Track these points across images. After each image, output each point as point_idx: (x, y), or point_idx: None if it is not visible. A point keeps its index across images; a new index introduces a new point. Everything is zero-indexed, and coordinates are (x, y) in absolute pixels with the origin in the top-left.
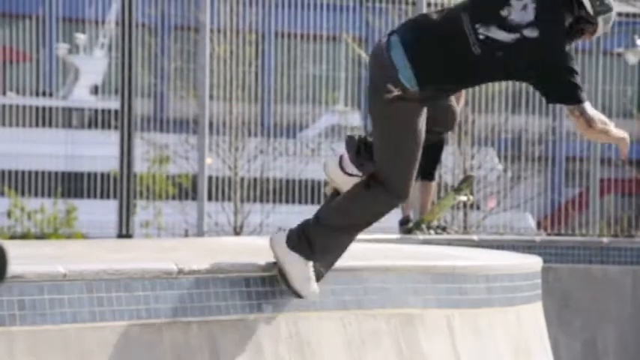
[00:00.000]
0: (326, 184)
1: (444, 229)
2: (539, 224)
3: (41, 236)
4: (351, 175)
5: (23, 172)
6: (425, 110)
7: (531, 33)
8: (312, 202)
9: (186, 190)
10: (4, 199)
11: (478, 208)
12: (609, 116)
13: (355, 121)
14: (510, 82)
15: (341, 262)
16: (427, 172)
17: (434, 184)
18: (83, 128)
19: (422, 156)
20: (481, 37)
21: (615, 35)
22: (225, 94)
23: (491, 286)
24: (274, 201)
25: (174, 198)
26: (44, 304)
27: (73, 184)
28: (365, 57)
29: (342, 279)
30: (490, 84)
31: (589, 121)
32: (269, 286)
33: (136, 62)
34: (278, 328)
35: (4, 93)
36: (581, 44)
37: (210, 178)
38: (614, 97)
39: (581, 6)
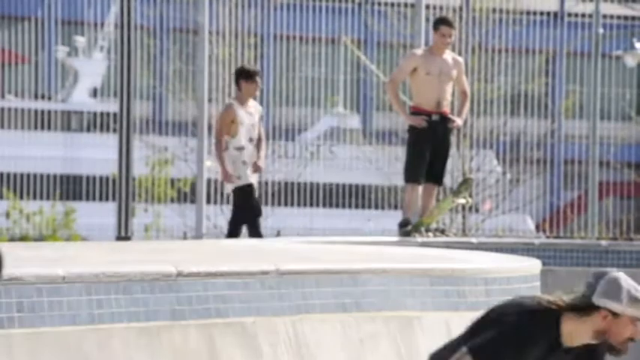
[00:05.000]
0: None
1: (442, 231)
2: (538, 227)
3: (40, 238)
4: None
5: (22, 175)
6: None
7: None
8: (311, 205)
9: (185, 193)
10: (2, 201)
11: (477, 210)
12: (608, 119)
13: (354, 123)
14: (509, 86)
15: (340, 265)
16: (435, 175)
17: (436, 188)
18: (82, 131)
19: (429, 160)
20: None
21: (614, 38)
22: (224, 96)
23: (490, 288)
24: (273, 203)
25: (172, 201)
26: (43, 307)
27: (72, 187)
28: (364, 59)
29: (341, 281)
30: (489, 87)
31: None
32: (268, 289)
33: (134, 64)
34: (277, 331)
35: (2, 96)
36: (579, 46)
37: (209, 180)
38: (613, 100)
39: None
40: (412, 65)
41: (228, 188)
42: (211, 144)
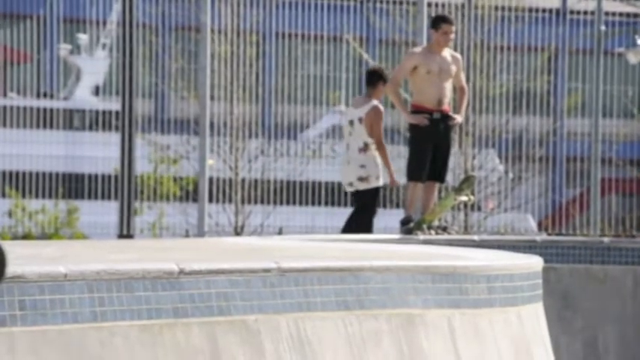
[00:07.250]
0: None
1: (444, 229)
2: (540, 224)
3: (42, 236)
4: None
5: (24, 173)
6: None
7: None
8: (313, 204)
9: (187, 191)
10: (5, 200)
11: (479, 208)
12: (610, 116)
13: None
14: (511, 84)
15: (342, 263)
16: (436, 173)
17: (437, 185)
18: (84, 129)
19: (431, 158)
20: None
21: (616, 35)
22: (226, 94)
23: (492, 286)
24: (275, 202)
25: (175, 199)
26: (45, 305)
27: (75, 185)
28: (366, 57)
29: (343, 279)
30: (491, 85)
31: None
32: (269, 287)
33: (136, 62)
34: (279, 329)
35: (5, 94)
36: (582, 44)
37: (211, 179)
38: (615, 97)
39: None
40: (412, 64)
41: (361, 186)
42: (213, 142)
